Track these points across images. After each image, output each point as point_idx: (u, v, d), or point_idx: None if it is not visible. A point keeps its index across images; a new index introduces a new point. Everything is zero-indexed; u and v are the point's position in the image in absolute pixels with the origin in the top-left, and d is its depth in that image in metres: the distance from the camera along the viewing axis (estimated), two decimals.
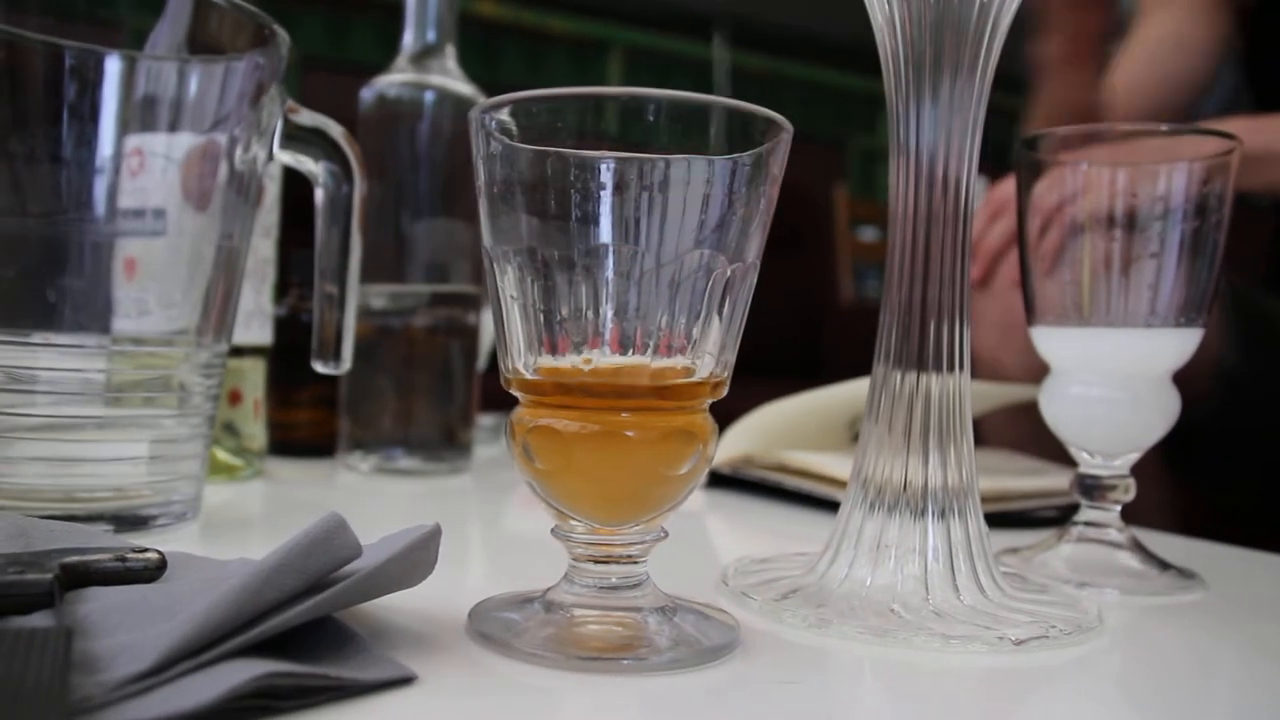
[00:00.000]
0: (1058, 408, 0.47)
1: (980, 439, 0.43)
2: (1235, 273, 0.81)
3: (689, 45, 3.14)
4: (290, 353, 0.65)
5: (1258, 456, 0.81)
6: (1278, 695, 0.31)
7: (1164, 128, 0.48)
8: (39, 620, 0.26)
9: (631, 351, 0.29)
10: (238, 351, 0.60)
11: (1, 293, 0.41)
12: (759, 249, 0.31)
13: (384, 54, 0.70)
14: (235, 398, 0.60)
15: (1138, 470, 0.47)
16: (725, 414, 0.41)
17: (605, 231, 0.28)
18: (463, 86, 0.66)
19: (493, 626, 0.30)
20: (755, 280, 0.31)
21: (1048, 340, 0.48)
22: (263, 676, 0.23)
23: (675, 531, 0.34)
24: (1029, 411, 0.68)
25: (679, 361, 0.30)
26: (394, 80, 0.66)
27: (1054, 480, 0.62)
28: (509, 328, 0.31)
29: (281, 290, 0.68)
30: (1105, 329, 0.46)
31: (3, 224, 0.40)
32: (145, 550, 0.30)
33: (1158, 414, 0.46)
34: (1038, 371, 0.51)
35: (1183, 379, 0.47)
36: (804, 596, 0.36)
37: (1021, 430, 0.81)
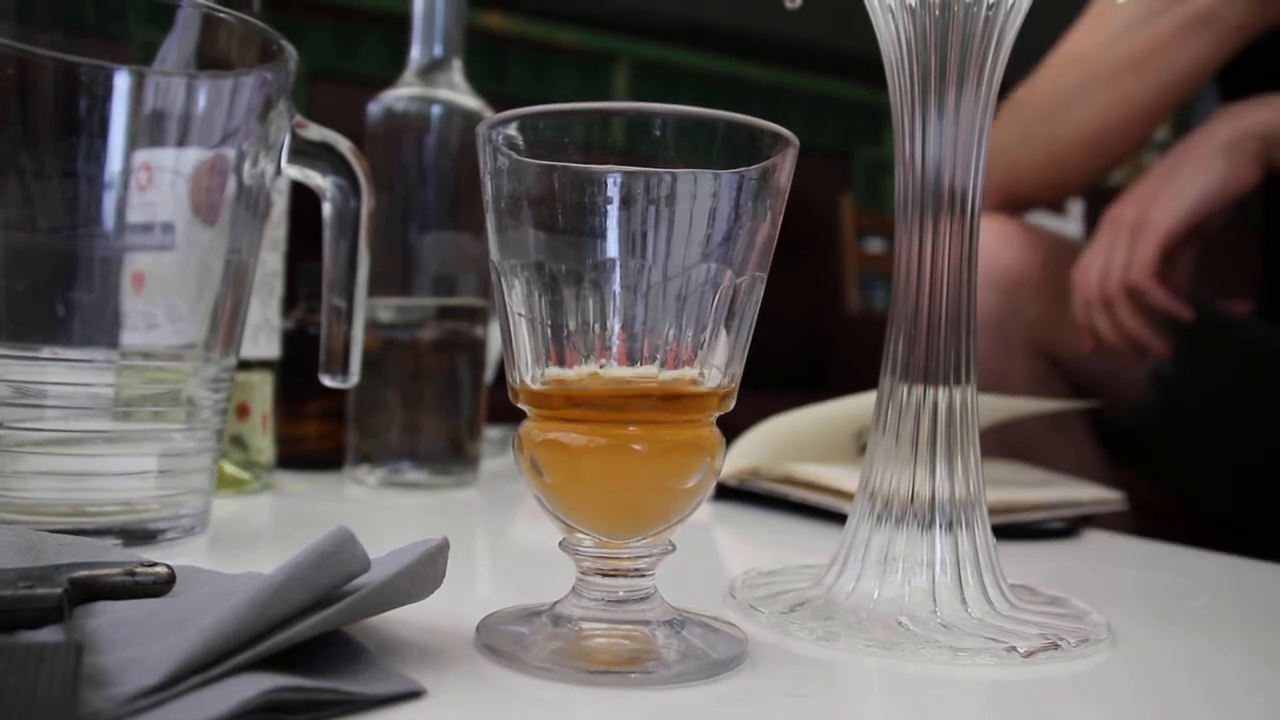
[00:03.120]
0: None
1: (986, 449, 0.43)
2: (1202, 284, 0.83)
3: (695, 57, 3.15)
4: (298, 366, 0.65)
5: (1195, 450, 0.84)
6: None
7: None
8: (48, 635, 0.26)
9: (639, 365, 0.29)
10: (246, 365, 0.60)
11: (10, 307, 0.41)
12: (766, 262, 0.31)
13: (391, 67, 0.71)
14: (243, 411, 0.61)
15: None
16: (732, 426, 0.41)
17: (612, 245, 0.28)
18: (470, 100, 0.66)
19: (500, 640, 0.30)
20: (762, 293, 0.32)
21: None
22: (271, 691, 0.23)
23: (683, 544, 0.33)
24: (1038, 418, 0.68)
25: (686, 374, 0.30)
26: (401, 94, 0.66)
27: (1062, 492, 0.61)
28: (516, 341, 0.31)
29: (289, 304, 0.68)
30: None
31: (12, 238, 0.41)
32: (154, 564, 0.30)
33: None
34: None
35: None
36: (812, 609, 0.36)
37: (1027, 435, 0.81)
